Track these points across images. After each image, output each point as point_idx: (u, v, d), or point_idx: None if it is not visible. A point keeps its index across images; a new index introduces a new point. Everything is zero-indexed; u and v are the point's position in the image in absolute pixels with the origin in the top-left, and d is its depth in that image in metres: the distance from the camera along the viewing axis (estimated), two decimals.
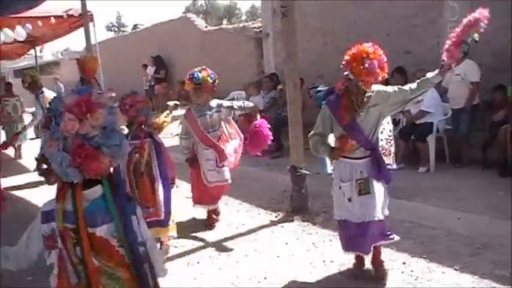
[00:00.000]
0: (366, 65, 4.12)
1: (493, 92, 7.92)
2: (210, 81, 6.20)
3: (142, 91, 19.92)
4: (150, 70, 20.01)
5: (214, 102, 6.39)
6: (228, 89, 14.56)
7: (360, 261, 4.72)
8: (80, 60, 7.96)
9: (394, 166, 5.45)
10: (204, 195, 6.42)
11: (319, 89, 10.71)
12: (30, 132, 12.62)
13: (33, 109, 9.83)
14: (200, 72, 6.21)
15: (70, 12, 11.14)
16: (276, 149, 10.33)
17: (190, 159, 6.46)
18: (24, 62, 27.06)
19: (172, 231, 5.57)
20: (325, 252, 5.34)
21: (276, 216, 6.60)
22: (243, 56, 15.47)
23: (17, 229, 3.02)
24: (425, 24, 9.48)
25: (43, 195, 3.72)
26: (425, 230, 5.70)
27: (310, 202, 6.69)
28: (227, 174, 6.36)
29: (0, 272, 3.07)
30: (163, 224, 5.38)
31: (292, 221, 6.33)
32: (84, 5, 9.14)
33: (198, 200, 6.51)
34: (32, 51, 17.91)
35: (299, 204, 6.55)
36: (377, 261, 4.66)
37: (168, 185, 5.41)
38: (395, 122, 8.72)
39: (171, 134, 15.01)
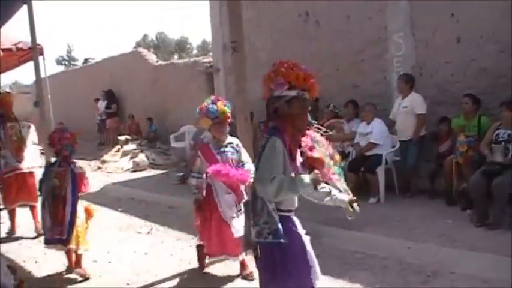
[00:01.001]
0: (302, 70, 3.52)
1: (438, 124, 8.18)
2: (229, 111, 5.70)
3: (94, 125, 19.74)
4: (102, 104, 19.87)
5: (234, 139, 5.61)
6: (179, 123, 14.59)
7: None
8: None
9: None
10: (226, 244, 5.50)
11: None
12: None
13: None
14: (214, 104, 5.72)
15: (19, 45, 10.97)
16: None
17: (199, 202, 5.65)
18: None
19: (71, 245, 5.90)
20: None
21: None
22: (194, 91, 15.52)
23: None
24: (372, 59, 9.75)
25: None
26: (377, 260, 5.79)
27: None
28: None
29: None
30: (65, 242, 5.87)
31: (245, 255, 6.33)
32: (33, 38, 9.02)
33: (218, 251, 5.63)
34: None
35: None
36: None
37: (75, 211, 5.89)
38: (345, 155, 8.89)
39: (121, 169, 14.91)
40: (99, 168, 15.63)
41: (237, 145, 5.56)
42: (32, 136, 8.32)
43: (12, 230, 8.17)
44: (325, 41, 10.71)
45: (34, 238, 7.75)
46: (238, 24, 6.66)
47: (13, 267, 4.96)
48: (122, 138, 17.06)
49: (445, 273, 5.23)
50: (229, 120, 5.72)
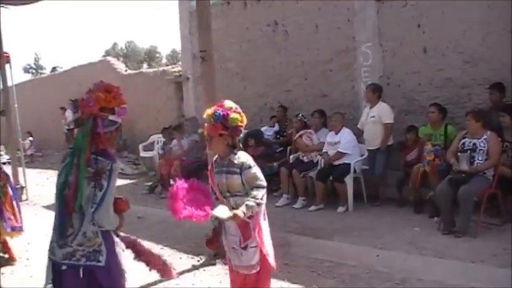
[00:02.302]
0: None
1: (406, 133, 8.27)
2: (216, 119, 3.94)
3: (62, 134, 19.46)
4: (69, 113, 19.60)
5: (242, 156, 4.08)
6: (148, 132, 14.49)
7: None
8: None
9: None
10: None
11: None
12: None
13: None
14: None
15: None
16: None
17: (211, 238, 4.61)
18: None
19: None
20: None
21: (198, 261, 6.52)
22: (164, 100, 15.46)
23: None
24: (341, 69, 9.84)
25: None
26: (346, 268, 5.80)
27: None
28: (254, 258, 4.13)
29: None
30: (21, 228, 6.89)
31: (214, 264, 6.29)
32: (0, 46, 8.91)
33: None
34: None
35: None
36: None
37: (18, 203, 7.08)
38: (313, 164, 8.92)
39: None
40: None
41: (242, 165, 3.97)
42: None
43: None
44: (293, 50, 10.77)
45: None
46: (207, 33, 6.68)
47: None
48: None
49: (413, 281, 5.26)
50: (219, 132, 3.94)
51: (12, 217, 6.76)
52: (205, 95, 6.80)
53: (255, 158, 9.92)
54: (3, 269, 6.50)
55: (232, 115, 3.89)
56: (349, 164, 8.44)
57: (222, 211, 3.75)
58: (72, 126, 19.33)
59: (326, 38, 10.04)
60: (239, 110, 4.03)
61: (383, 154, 8.43)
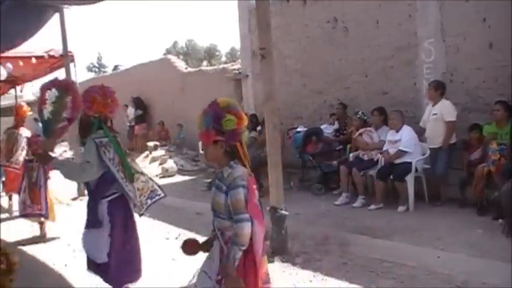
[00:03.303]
0: None
1: (469, 132, 8.03)
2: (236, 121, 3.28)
3: (124, 131, 19.83)
4: (131, 111, 20.03)
5: (236, 171, 3.22)
6: None
7: None
8: (17, 106, 10.34)
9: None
10: None
11: (298, 130, 10.89)
12: None
13: None
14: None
15: (51, 53, 11.14)
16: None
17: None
18: (4, 101, 26.81)
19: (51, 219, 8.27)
20: None
21: None
22: (223, 97, 15.54)
23: None
24: (402, 66, 9.64)
25: None
26: (405, 269, 5.68)
27: (290, 243, 6.64)
28: None
29: None
30: (45, 216, 8.13)
31: (272, 261, 6.26)
32: (65, 46, 9.17)
33: None
34: (12, 91, 17.80)
35: (279, 245, 6.50)
36: None
37: (46, 192, 8.12)
38: (373, 162, 8.81)
39: (150, 174, 14.99)
40: None
41: (231, 183, 3.15)
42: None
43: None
44: (353, 47, 10.64)
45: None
46: (266, 31, 6.67)
47: None
48: (150, 144, 17.18)
49: (474, 284, 5.10)
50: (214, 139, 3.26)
51: (35, 205, 8.08)
52: (264, 93, 6.79)
53: (314, 156, 9.94)
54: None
55: (227, 117, 3.16)
56: (410, 163, 8.28)
57: (186, 247, 3.38)
58: (133, 123, 19.74)
59: (387, 34, 9.87)
60: (236, 109, 3.27)
61: (445, 153, 8.23)
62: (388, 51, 9.88)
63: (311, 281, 5.56)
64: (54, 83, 4.96)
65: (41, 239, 8.26)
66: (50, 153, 4.90)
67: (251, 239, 3.11)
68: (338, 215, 8.20)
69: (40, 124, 16.07)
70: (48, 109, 4.77)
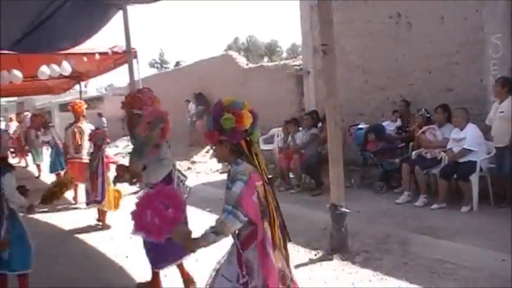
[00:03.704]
0: None
1: None
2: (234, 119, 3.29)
3: (186, 126, 20.05)
4: (192, 106, 20.28)
5: (235, 169, 3.29)
6: (268, 126, 14.63)
7: None
8: (71, 104, 11.41)
9: None
10: None
11: (359, 126, 10.78)
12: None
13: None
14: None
15: (114, 49, 11.41)
16: (316, 187, 10.33)
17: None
18: (69, 96, 27.64)
19: (106, 207, 8.82)
20: None
21: (315, 255, 6.51)
22: (284, 94, 15.56)
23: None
24: (467, 62, 9.40)
25: None
26: (468, 271, 5.54)
27: (350, 241, 6.60)
28: None
29: None
30: (99, 202, 8.65)
31: (331, 259, 6.25)
32: (128, 42, 9.31)
33: None
34: (76, 86, 18.32)
35: (339, 243, 6.47)
36: None
37: (104, 181, 8.67)
38: (437, 161, 8.63)
39: (210, 170, 15.17)
40: (189, 168, 15.97)
41: (233, 177, 3.25)
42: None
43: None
44: (417, 42, 10.45)
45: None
46: (328, 27, 6.63)
47: None
48: None
49: None
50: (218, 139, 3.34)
51: (93, 193, 8.74)
52: (326, 89, 6.75)
53: (375, 154, 9.83)
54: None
55: (225, 116, 3.17)
56: (475, 162, 8.07)
57: (177, 234, 3.27)
58: (194, 119, 19.97)
59: (452, 29, 9.64)
60: (236, 108, 3.24)
61: None
62: (453, 46, 9.66)
63: (370, 280, 5.51)
64: (157, 113, 5.33)
65: (102, 227, 8.95)
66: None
67: (252, 235, 3.20)
68: (399, 214, 8.08)
69: (104, 120, 17.60)
70: (147, 133, 5.12)
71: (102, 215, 9.03)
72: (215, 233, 3.10)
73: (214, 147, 3.38)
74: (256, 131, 3.36)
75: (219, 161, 3.89)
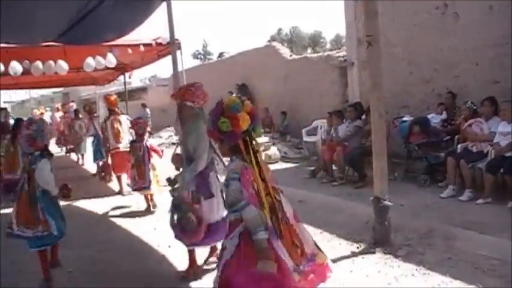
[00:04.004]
0: None
1: None
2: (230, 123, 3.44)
3: None
4: None
5: (229, 166, 3.66)
6: (311, 117, 14.61)
7: None
8: (105, 97, 12.27)
9: None
10: None
11: (404, 119, 10.65)
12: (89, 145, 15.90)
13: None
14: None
15: (158, 41, 11.51)
16: (359, 179, 10.26)
17: None
18: (113, 87, 28.03)
19: (153, 191, 9.32)
20: (407, 287, 5.21)
21: (358, 248, 6.49)
22: (327, 85, 15.49)
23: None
24: None
25: None
26: None
27: (393, 234, 6.55)
28: None
29: None
30: (148, 187, 9.16)
31: (373, 253, 6.22)
32: (172, 34, 9.39)
33: None
34: (121, 78, 18.59)
35: (381, 236, 6.43)
36: None
37: (149, 168, 9.16)
38: (483, 155, 8.47)
39: None
40: None
41: (226, 178, 3.60)
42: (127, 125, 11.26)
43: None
44: (464, 34, 10.26)
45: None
46: (374, 18, 6.58)
47: None
48: None
49: None
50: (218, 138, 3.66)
51: (141, 180, 9.17)
52: (370, 80, 6.70)
53: (420, 147, 9.69)
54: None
55: (221, 120, 3.34)
56: None
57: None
58: None
59: (501, 19, 9.42)
60: (233, 112, 3.37)
61: None
62: (501, 37, 9.44)
63: (413, 275, 5.46)
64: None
65: (148, 211, 9.53)
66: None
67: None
68: (443, 208, 7.97)
69: (148, 110, 18.35)
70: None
71: (150, 199, 9.57)
72: (256, 228, 3.33)
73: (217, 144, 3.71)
74: (258, 128, 3.55)
75: (223, 156, 4.10)
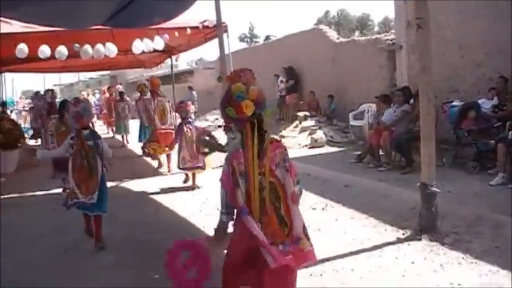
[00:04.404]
0: None
1: None
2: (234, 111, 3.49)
3: (274, 100, 20.07)
4: (281, 80, 20.28)
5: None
6: (358, 101, 14.46)
7: None
8: (149, 80, 13.25)
9: None
10: None
11: (453, 104, 10.42)
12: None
13: None
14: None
15: (205, 24, 11.54)
16: (406, 165, 10.11)
17: None
18: (160, 70, 28.35)
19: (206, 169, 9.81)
20: (453, 275, 5.11)
21: (403, 234, 6.42)
22: (375, 69, 15.28)
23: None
24: None
25: None
26: None
27: (440, 221, 6.44)
28: None
29: None
30: (203, 167, 9.74)
31: (419, 239, 6.14)
32: (218, 17, 9.44)
33: None
34: (168, 61, 18.77)
35: (428, 223, 6.34)
36: None
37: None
38: None
39: (299, 145, 15.19)
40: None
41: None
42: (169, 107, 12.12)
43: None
44: None
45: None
46: (424, 0, 6.43)
47: None
48: (300, 114, 17.32)
49: None
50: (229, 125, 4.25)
51: (194, 160, 9.72)
52: (419, 64, 6.57)
53: (470, 133, 9.48)
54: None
55: (228, 109, 3.45)
56: None
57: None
58: (284, 93, 19.98)
59: None
60: (236, 100, 3.40)
61: None
62: None
63: (460, 263, 5.37)
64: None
65: (193, 191, 9.93)
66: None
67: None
68: (492, 196, 7.79)
69: (195, 93, 19.18)
70: None
71: (194, 179, 10.14)
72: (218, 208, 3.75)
73: None
74: (266, 110, 3.61)
75: None
